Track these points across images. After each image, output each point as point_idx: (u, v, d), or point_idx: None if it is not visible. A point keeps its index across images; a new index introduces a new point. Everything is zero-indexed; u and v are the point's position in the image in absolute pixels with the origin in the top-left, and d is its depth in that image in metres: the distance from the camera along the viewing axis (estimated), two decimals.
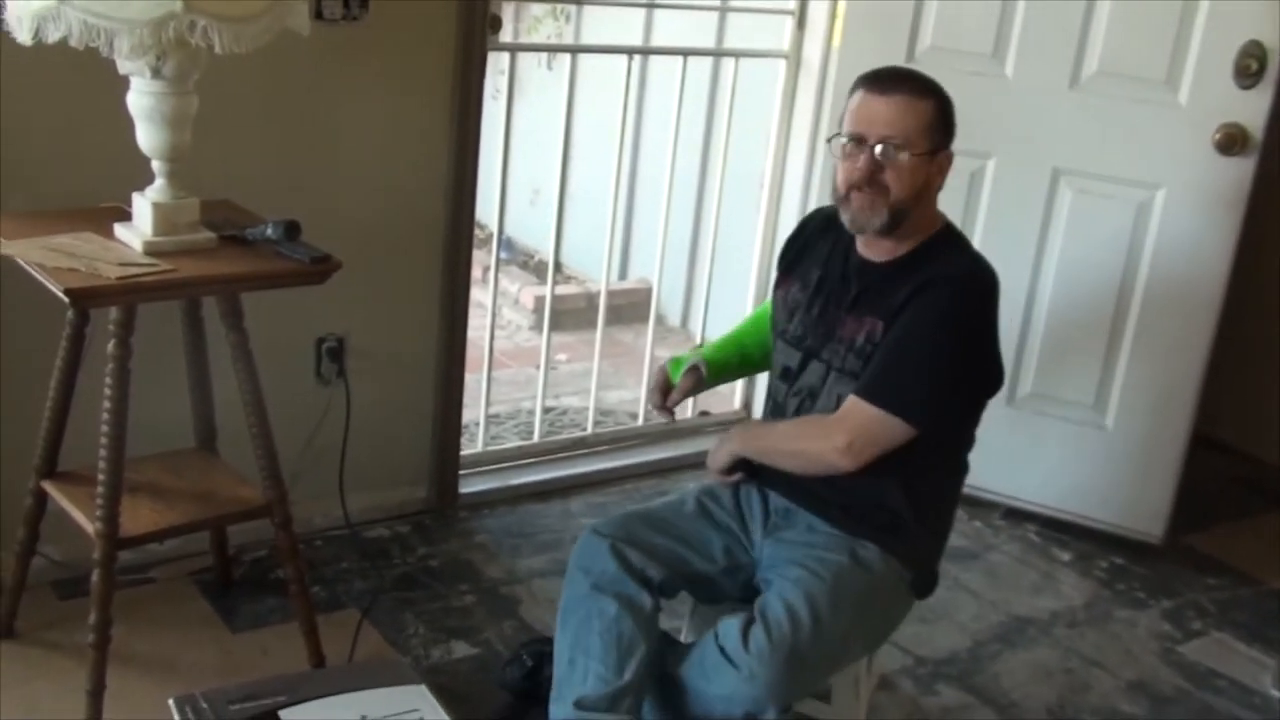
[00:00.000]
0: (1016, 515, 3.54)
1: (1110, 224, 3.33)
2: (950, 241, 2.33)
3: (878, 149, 2.19)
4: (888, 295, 2.26)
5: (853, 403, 2.23)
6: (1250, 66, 3.09)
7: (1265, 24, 3.07)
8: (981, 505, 3.51)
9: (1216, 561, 3.48)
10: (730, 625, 2.20)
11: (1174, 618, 3.18)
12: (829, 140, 2.33)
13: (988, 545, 3.41)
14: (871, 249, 2.30)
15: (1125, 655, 2.99)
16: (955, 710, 2.70)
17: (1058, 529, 3.51)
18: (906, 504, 2.35)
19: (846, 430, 2.22)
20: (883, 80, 2.24)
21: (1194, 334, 3.30)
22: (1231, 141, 3.13)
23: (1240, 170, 3.16)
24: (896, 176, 2.20)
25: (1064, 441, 3.47)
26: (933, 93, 2.24)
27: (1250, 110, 3.12)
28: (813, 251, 2.44)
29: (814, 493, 2.38)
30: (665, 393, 2.50)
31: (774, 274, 2.55)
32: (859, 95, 2.25)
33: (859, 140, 2.22)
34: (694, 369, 2.50)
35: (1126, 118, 3.25)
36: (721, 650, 2.18)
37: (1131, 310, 3.35)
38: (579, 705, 2.20)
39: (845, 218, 2.27)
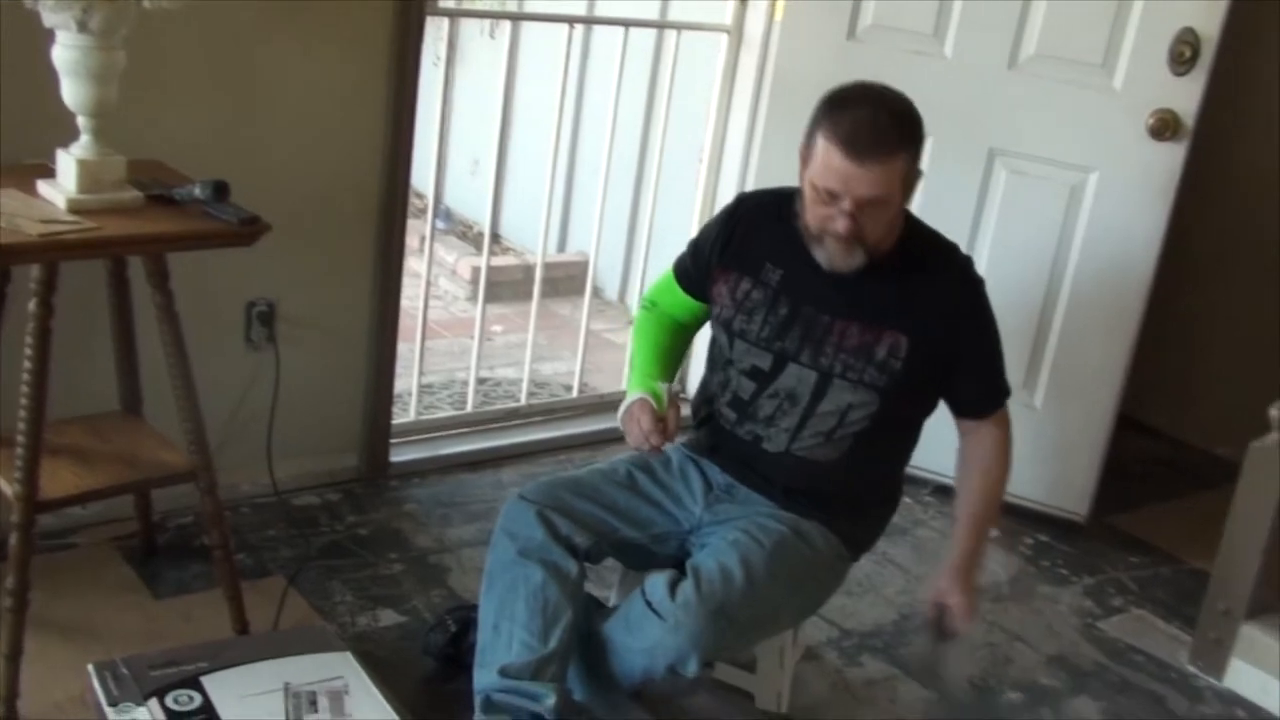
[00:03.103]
0: (945, 492, 3.56)
1: (1043, 206, 3.36)
2: (923, 234, 2.38)
3: (855, 208, 2.17)
4: (892, 305, 2.29)
5: (997, 416, 2.40)
6: (1184, 54, 3.12)
7: (1200, 12, 3.10)
8: (911, 482, 3.52)
9: (1139, 540, 3.53)
10: (658, 579, 2.21)
11: (1095, 594, 3.23)
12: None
13: (916, 521, 3.44)
14: None
15: (1047, 630, 3.03)
16: (879, 682, 2.73)
17: None
18: (863, 488, 2.39)
19: (1009, 428, 2.42)
20: (863, 142, 2.13)
21: (1122, 317, 3.34)
22: (1164, 127, 3.17)
23: (1172, 156, 3.20)
24: (875, 226, 2.21)
25: None
26: (908, 139, 2.20)
27: (1183, 97, 3.16)
28: (758, 245, 2.39)
29: (760, 473, 2.40)
30: (662, 428, 2.36)
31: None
32: (830, 152, 2.14)
33: (833, 195, 2.17)
34: (672, 396, 2.43)
35: (1062, 100, 3.28)
36: (648, 604, 2.19)
37: (1062, 292, 3.39)
38: (503, 673, 2.20)
39: (819, 256, 2.27)
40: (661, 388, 2.41)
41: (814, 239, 2.25)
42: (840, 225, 2.18)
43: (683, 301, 2.54)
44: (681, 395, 3.96)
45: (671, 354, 2.56)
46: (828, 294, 2.30)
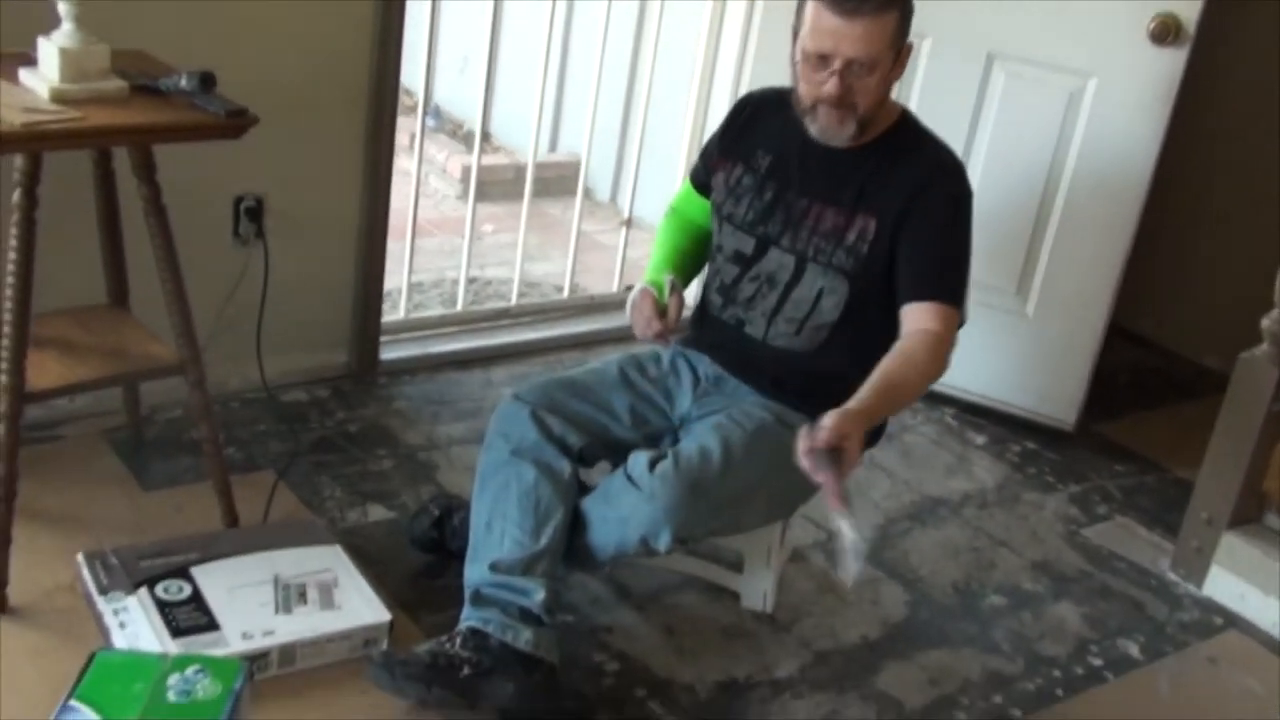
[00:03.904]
0: (934, 399, 3.58)
1: (1041, 111, 3.33)
2: (914, 129, 2.37)
3: (844, 68, 2.17)
4: (872, 190, 2.29)
5: (934, 309, 2.25)
6: None
7: None
8: None
9: (1125, 449, 3.55)
10: (639, 456, 2.25)
11: (1080, 502, 3.25)
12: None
13: (905, 426, 3.45)
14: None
15: (1031, 536, 3.06)
16: (863, 584, 2.75)
17: (974, 413, 3.56)
18: (843, 386, 2.39)
19: (948, 339, 2.27)
20: (847, 4, 2.14)
21: (1117, 225, 3.32)
22: (1165, 31, 3.13)
23: (1172, 61, 3.16)
24: (865, 92, 2.21)
25: (984, 328, 3.48)
26: (894, 1, 2.19)
27: (1185, 0, 3.11)
28: (754, 134, 2.43)
29: (748, 364, 2.42)
30: (662, 316, 2.36)
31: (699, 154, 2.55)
32: (820, 12, 2.17)
33: (823, 58, 2.19)
34: (673, 285, 2.41)
35: (1063, 3, 3.23)
36: (628, 477, 2.23)
37: (1057, 199, 3.37)
38: (494, 568, 2.23)
39: (812, 128, 2.28)
40: (664, 278, 2.42)
41: (807, 112, 2.26)
42: (831, 86, 2.19)
43: (700, 204, 2.56)
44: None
45: (687, 255, 2.57)
46: (810, 178, 2.33)
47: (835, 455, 2.00)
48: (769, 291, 2.37)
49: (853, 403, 2.12)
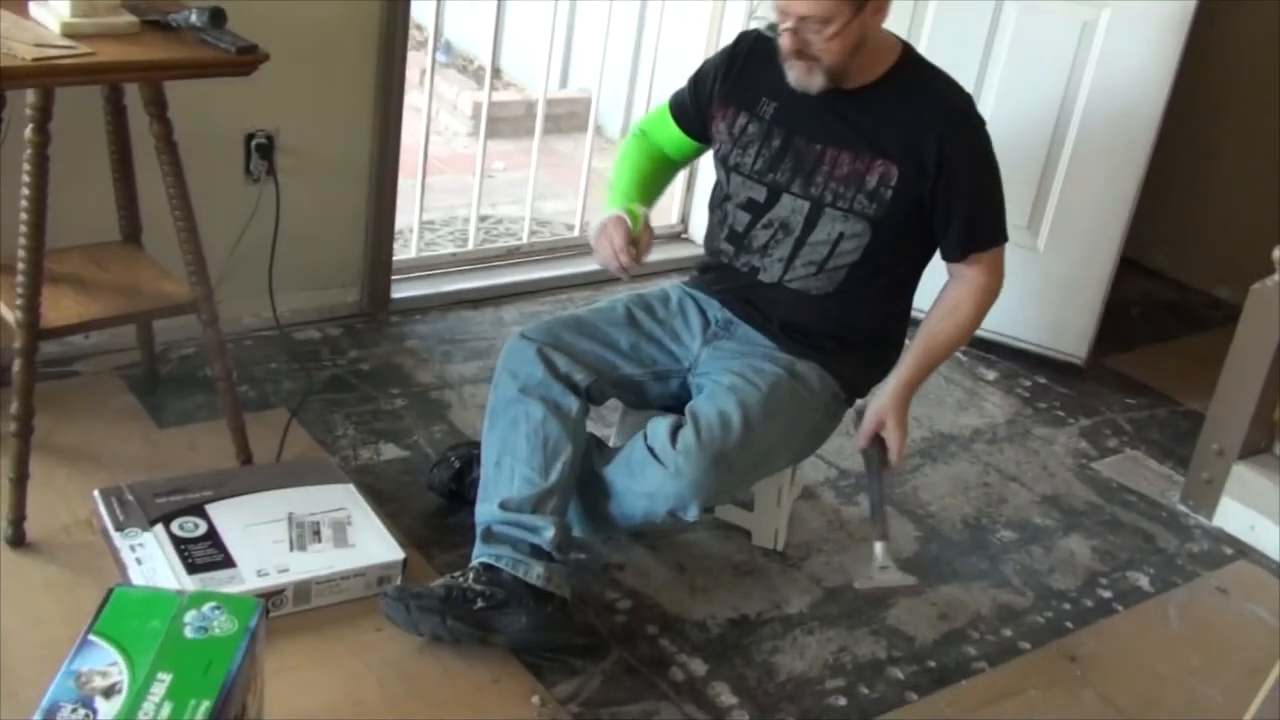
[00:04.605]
0: None
1: (1053, 43, 3.30)
2: (918, 66, 2.33)
3: (799, 24, 2.15)
4: (884, 133, 2.27)
5: (981, 261, 2.34)
6: None
7: None
8: (913, 325, 3.53)
9: (1136, 382, 3.56)
10: (659, 424, 2.24)
11: (1091, 435, 3.26)
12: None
13: None
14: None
15: (1041, 471, 3.07)
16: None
17: (985, 349, 3.56)
18: (858, 326, 2.40)
19: (994, 282, 2.37)
20: None
21: (1129, 157, 3.31)
22: None
23: None
24: (824, 48, 2.18)
25: None
26: None
27: None
28: (754, 79, 2.38)
29: (757, 307, 2.41)
30: (633, 245, 2.35)
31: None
32: None
33: (781, 14, 2.17)
34: (646, 218, 2.40)
35: None
36: (650, 449, 2.23)
37: (1069, 133, 3.35)
38: (504, 506, 2.24)
39: (789, 78, 2.26)
40: (639, 209, 2.40)
41: (784, 61, 2.25)
42: (785, 41, 2.19)
43: (675, 137, 2.53)
44: (685, 236, 3.95)
45: (654, 183, 2.55)
46: (821, 123, 2.30)
47: (880, 444, 2.30)
48: (784, 237, 2.35)
49: (892, 379, 2.34)
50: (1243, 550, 2.85)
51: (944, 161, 2.25)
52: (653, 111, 2.63)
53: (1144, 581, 2.71)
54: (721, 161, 2.43)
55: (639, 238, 2.35)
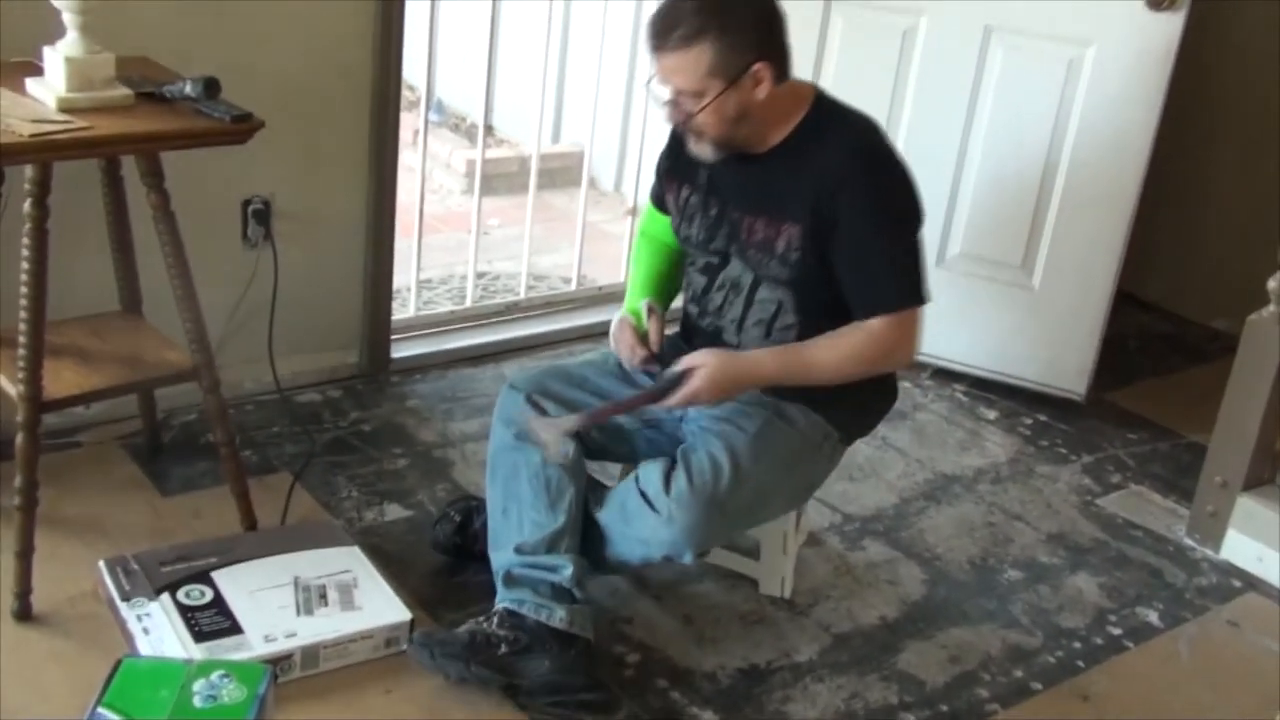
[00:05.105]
0: (944, 375, 3.59)
1: (1041, 82, 3.32)
2: (822, 117, 2.25)
3: (676, 96, 2.16)
4: (789, 194, 2.22)
5: (882, 322, 2.20)
6: None
7: None
8: (910, 366, 3.55)
9: (1137, 416, 3.56)
10: (651, 469, 2.25)
11: (1094, 472, 3.26)
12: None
13: (916, 405, 3.46)
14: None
15: (1046, 509, 3.06)
16: (880, 564, 2.76)
17: (984, 388, 3.57)
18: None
19: (902, 345, 2.24)
20: (656, 29, 2.13)
21: (1120, 191, 3.32)
22: None
23: (1170, 26, 3.15)
24: (704, 119, 2.17)
25: (992, 302, 3.51)
26: (711, 27, 2.08)
27: None
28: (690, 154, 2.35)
29: None
30: (644, 342, 2.38)
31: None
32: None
33: (661, 88, 2.18)
34: (651, 309, 2.42)
35: None
36: (642, 494, 2.24)
37: (1060, 170, 3.36)
38: (519, 550, 2.27)
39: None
40: (643, 306, 2.43)
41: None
42: (666, 114, 2.20)
43: (664, 224, 2.53)
44: None
45: (663, 276, 2.56)
46: (740, 190, 2.30)
47: (675, 381, 2.19)
48: (735, 298, 2.35)
49: (744, 355, 2.26)
50: (1251, 583, 2.84)
51: (838, 209, 2.17)
52: (645, 210, 2.64)
53: (1153, 617, 2.70)
54: (675, 233, 2.44)
55: (647, 333, 2.39)
